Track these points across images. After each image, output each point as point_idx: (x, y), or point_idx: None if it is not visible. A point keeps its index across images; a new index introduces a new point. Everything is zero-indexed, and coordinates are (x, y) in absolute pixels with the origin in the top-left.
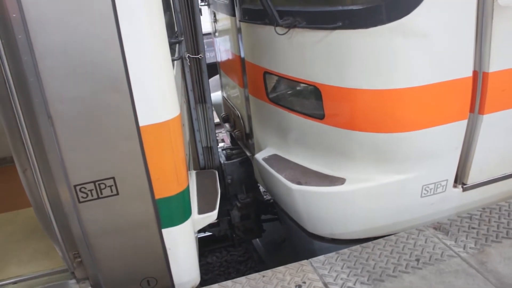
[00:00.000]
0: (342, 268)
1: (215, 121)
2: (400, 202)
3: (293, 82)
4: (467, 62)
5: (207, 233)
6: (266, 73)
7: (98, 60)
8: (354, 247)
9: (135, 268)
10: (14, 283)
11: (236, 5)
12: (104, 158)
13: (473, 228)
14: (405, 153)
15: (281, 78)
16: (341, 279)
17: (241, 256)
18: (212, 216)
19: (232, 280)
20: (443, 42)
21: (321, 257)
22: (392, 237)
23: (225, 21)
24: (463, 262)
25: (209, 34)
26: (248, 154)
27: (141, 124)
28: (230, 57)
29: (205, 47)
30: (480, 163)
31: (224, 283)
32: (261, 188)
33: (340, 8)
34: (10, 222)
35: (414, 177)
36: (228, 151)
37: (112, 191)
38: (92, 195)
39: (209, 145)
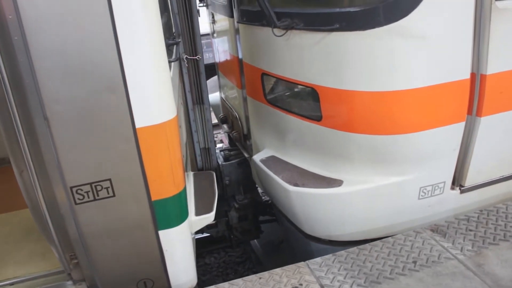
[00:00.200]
0: (339, 270)
1: (213, 122)
2: (397, 204)
3: (290, 84)
4: (465, 64)
5: (205, 234)
6: (264, 75)
7: (94, 61)
8: (351, 249)
9: (131, 270)
10: (11, 284)
11: (234, 7)
12: (100, 160)
13: (471, 230)
14: (403, 155)
15: (279, 79)
16: (338, 281)
17: (239, 257)
18: (209, 218)
19: (229, 282)
20: (441, 44)
21: (318, 259)
22: (389, 239)
23: (223, 22)
24: (460, 265)
25: (207, 34)
26: (246, 155)
27: (137, 126)
28: (228, 58)
29: (204, 47)
30: (477, 165)
31: (220, 285)
32: (259, 189)
33: (337, 10)
34: (7, 223)
35: (412, 179)
36: (226, 152)
37: (108, 193)
38: (88, 197)
39: (206, 146)
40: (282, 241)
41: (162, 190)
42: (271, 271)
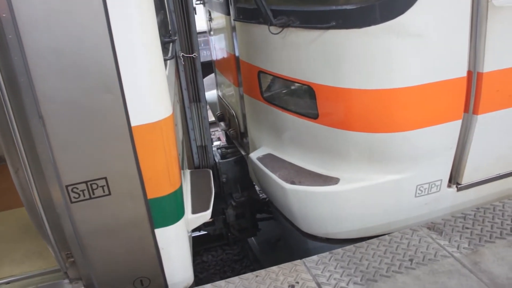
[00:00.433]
0: (335, 268)
1: (210, 120)
2: (394, 202)
3: (287, 82)
4: (462, 62)
5: (202, 232)
6: (261, 72)
7: (89, 59)
8: (347, 247)
9: (128, 268)
10: (7, 283)
11: (231, 4)
12: (96, 158)
13: (467, 228)
14: (399, 153)
15: (276, 77)
16: (334, 279)
17: (236, 255)
18: (205, 216)
19: (226, 280)
20: (437, 42)
21: (315, 257)
22: (386, 237)
23: (220, 19)
24: (456, 262)
25: (204, 32)
26: (243, 153)
27: (133, 124)
28: (225, 56)
29: (202, 45)
30: (474, 163)
31: (217, 283)
32: (256, 187)
33: (334, 7)
34: (3, 222)
35: (408, 177)
36: (223, 149)
37: (104, 191)
38: (84, 195)
39: (203, 144)
40: (279, 239)
41: (158, 188)
42: (268, 269)
